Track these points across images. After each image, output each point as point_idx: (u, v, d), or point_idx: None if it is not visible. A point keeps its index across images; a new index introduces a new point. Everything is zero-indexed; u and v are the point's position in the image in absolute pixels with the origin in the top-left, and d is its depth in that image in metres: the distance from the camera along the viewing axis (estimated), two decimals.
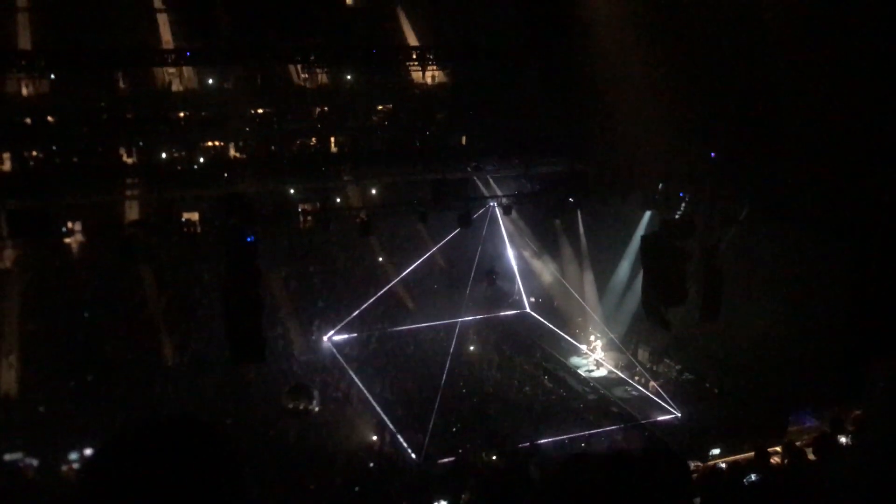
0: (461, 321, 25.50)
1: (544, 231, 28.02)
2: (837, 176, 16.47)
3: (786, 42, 16.94)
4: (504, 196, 23.62)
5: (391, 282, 28.47)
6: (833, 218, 17.21)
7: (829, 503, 4.63)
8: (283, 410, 18.17)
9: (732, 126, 18.74)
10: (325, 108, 29.35)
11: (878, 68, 15.24)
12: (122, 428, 1.68)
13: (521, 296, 29.91)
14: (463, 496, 15.83)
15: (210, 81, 27.93)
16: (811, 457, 9.23)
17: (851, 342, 17.65)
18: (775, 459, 9.45)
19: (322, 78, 28.93)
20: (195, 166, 27.14)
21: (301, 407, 17.44)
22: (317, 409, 18.15)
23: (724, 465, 10.16)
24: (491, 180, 26.68)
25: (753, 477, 6.83)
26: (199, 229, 22.86)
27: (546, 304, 29.44)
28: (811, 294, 18.69)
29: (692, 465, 11.64)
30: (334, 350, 25.77)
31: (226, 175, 25.26)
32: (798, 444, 10.09)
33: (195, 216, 23.87)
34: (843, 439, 8.62)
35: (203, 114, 27.44)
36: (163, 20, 26.73)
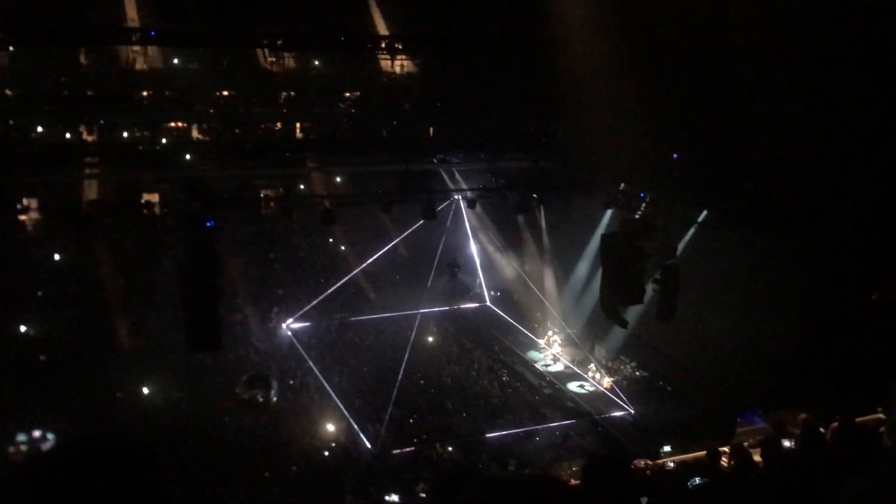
0: (421, 313, 25.58)
1: (507, 226, 28.17)
2: (796, 182, 16.80)
3: (751, 48, 17.22)
4: (469, 189, 23.67)
5: (353, 271, 28.40)
6: (790, 224, 17.57)
7: None
8: (240, 401, 18.03)
9: (696, 129, 18.99)
10: (292, 94, 29.05)
11: (840, 76, 15.55)
12: (48, 447, 1.70)
13: (482, 289, 30.05)
14: (417, 487, 15.95)
15: (175, 61, 27.48)
16: (757, 458, 9.47)
17: (804, 345, 18.10)
18: (725, 460, 9.67)
19: (289, 63, 28.65)
20: (157, 147, 26.71)
21: (258, 398, 17.35)
22: (274, 399, 18.06)
23: (672, 465, 10.36)
24: (456, 173, 26.72)
25: (698, 480, 6.99)
26: (158, 211, 22.52)
27: (506, 298, 29.63)
28: (766, 297, 19.08)
29: (643, 462, 11.86)
30: (293, 338, 25.64)
31: (188, 157, 24.89)
32: (746, 444, 10.34)
33: (155, 198, 23.51)
34: (786, 443, 8.83)
35: (167, 94, 26.99)
36: None
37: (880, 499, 3.28)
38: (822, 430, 9.24)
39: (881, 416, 9.47)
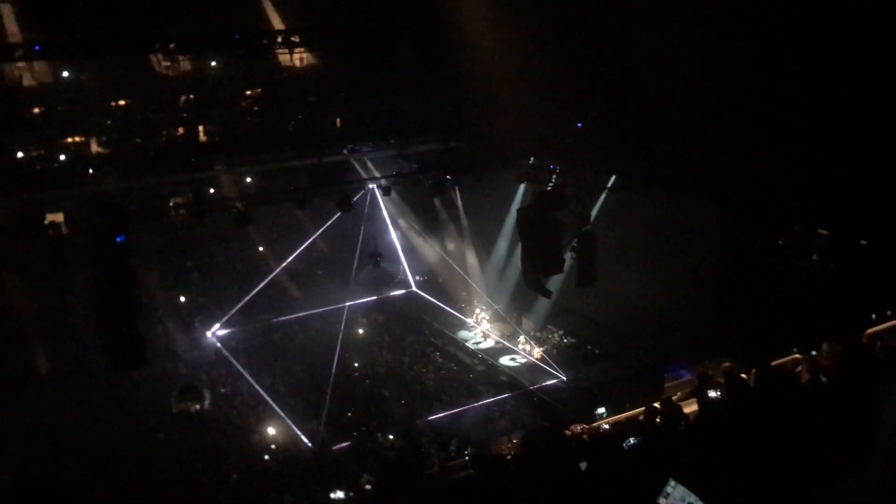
0: (349, 305, 25.47)
1: (425, 210, 28.24)
2: (697, 140, 17.35)
3: (644, 12, 17.63)
4: (382, 177, 23.61)
5: (273, 271, 28.03)
6: (695, 180, 18.15)
7: (704, 460, 5.00)
8: (174, 414, 17.64)
9: (597, 97, 19.39)
10: (191, 96, 28.30)
11: (732, 34, 16.06)
12: None
13: (406, 275, 30.11)
14: (362, 480, 15.95)
15: (65, 74, 26.43)
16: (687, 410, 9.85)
17: (719, 296, 18.85)
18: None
19: (185, 65, 27.89)
20: (55, 164, 25.66)
21: (192, 409, 17.02)
22: (208, 408, 17.76)
23: (607, 426, 10.66)
24: (368, 162, 26.60)
25: (632, 440, 7.24)
26: (65, 231, 21.68)
27: (431, 281, 29.79)
28: (679, 253, 19.76)
29: (579, 427, 12.16)
30: (219, 345, 25.20)
31: (90, 172, 24.00)
32: (674, 398, 10.74)
33: (60, 218, 22.59)
34: (712, 393, 9.20)
35: (60, 108, 25.94)
36: (7, 11, 24.99)
37: (873, 496, 3.48)
38: (744, 375, 9.69)
39: (797, 355, 9.96)
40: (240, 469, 17.97)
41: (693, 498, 4.24)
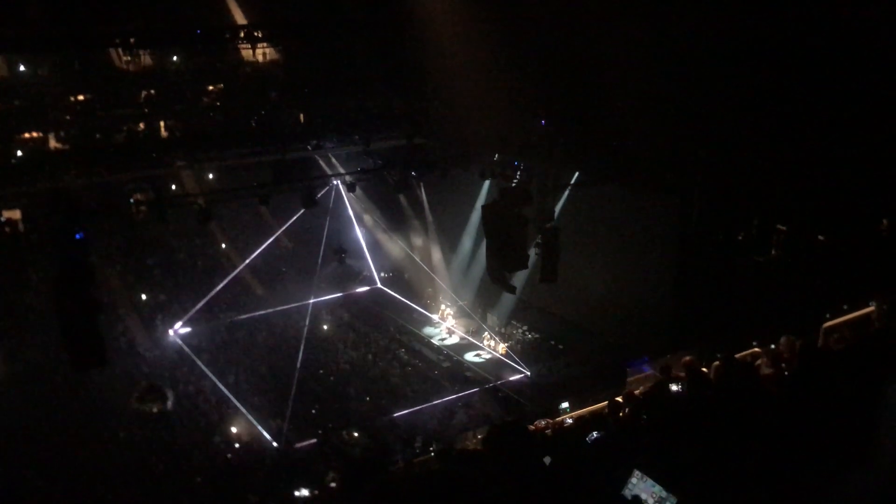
0: (313, 302, 25.36)
1: (390, 206, 28.21)
2: (659, 136, 17.57)
3: (605, 10, 17.79)
4: (347, 174, 23.53)
5: (237, 268, 27.80)
6: (656, 176, 18.39)
7: (668, 452, 5.08)
8: (136, 415, 17.38)
9: (560, 95, 19.53)
10: (152, 92, 27.94)
11: (700, 36, 16.27)
12: None
13: (371, 272, 30.05)
14: (328, 478, 15.91)
15: (22, 69, 25.94)
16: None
17: (680, 291, 19.10)
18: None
19: (146, 60, 27.49)
20: (12, 161, 25.14)
21: (154, 409, 16.79)
22: (171, 408, 17.53)
23: (570, 421, 10.77)
24: (333, 158, 26.50)
25: (595, 434, 7.33)
26: (22, 228, 21.24)
27: (397, 278, 29.77)
28: (641, 249, 20.00)
29: (543, 422, 12.28)
30: (181, 343, 24.92)
31: (47, 168, 23.55)
32: (637, 392, 10.87)
33: (17, 214, 22.12)
34: (674, 386, 9.35)
35: (17, 103, 25.47)
36: None
37: (870, 497, 3.55)
38: (704, 369, 9.85)
39: (757, 349, 10.16)
40: (203, 468, 17.80)
41: (658, 488, 4.31)
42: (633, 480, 4.39)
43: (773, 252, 16.88)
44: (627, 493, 4.36)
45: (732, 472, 4.51)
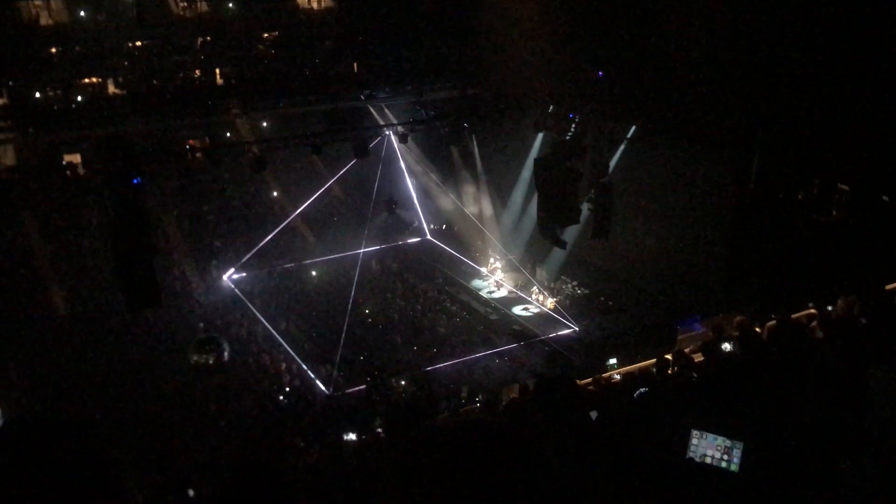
0: (363, 252, 25.52)
1: (441, 157, 28.06)
2: (720, 91, 17.08)
3: None
4: (399, 124, 23.44)
5: (289, 217, 28.07)
6: (716, 132, 17.92)
7: (711, 411, 5.00)
8: (191, 366, 17.75)
9: (619, 45, 19.05)
10: (208, 39, 28.09)
11: None
12: None
13: (421, 223, 30.08)
14: (374, 423, 16.17)
15: (82, 14, 26.23)
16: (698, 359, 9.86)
17: (736, 250, 18.73)
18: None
19: (202, 7, 27.61)
20: (73, 105, 25.65)
21: (211, 361, 17.09)
22: (227, 359, 17.84)
23: (618, 377, 10.70)
24: (385, 108, 26.37)
25: (642, 391, 7.26)
26: (81, 172, 21.76)
27: (446, 230, 29.76)
28: (697, 206, 19.59)
29: (590, 379, 12.22)
30: (235, 289, 25.39)
31: (106, 113, 23.97)
32: (686, 350, 10.74)
33: (77, 158, 22.68)
34: (726, 345, 9.20)
35: (77, 49, 25.83)
36: None
37: (866, 484, 3.45)
38: (757, 329, 9.66)
39: (813, 311, 9.90)
40: (254, 411, 18.24)
41: (721, 440, 4.23)
42: (694, 441, 4.32)
43: (833, 212, 16.41)
44: (693, 455, 4.30)
45: (791, 417, 4.42)
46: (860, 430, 3.83)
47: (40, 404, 18.30)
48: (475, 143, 26.40)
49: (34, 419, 1.76)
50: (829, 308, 8.88)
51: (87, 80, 26.36)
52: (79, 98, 25.96)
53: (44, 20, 25.31)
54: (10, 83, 24.27)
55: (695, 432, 4.30)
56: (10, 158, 23.46)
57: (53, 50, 25.58)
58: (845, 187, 16.18)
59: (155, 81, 26.74)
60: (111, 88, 26.61)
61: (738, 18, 16.23)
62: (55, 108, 25.39)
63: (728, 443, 4.20)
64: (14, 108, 23.77)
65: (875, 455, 3.54)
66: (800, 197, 17.13)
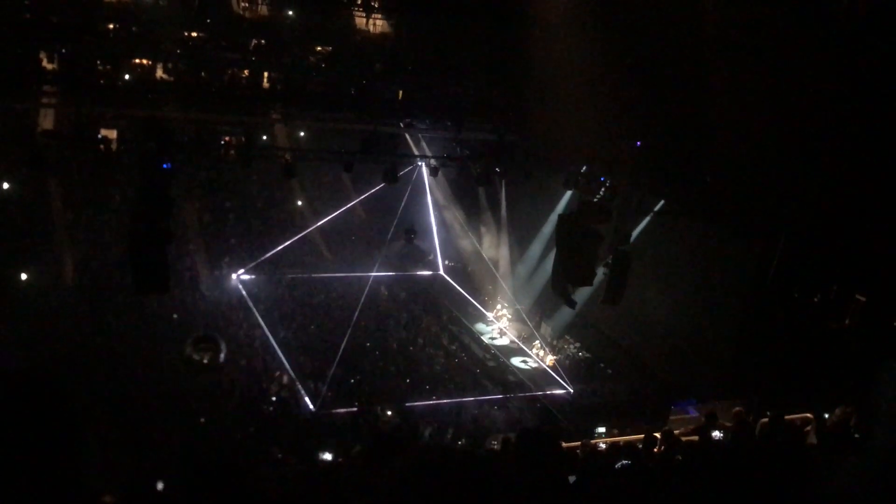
0: (374, 275, 25.54)
1: (468, 197, 28.18)
2: (753, 179, 17.07)
3: (720, 44, 17.35)
4: (433, 157, 23.58)
5: (308, 227, 28.18)
6: (743, 219, 17.89)
7: (691, 494, 4.91)
8: (186, 360, 17.66)
9: (661, 119, 19.14)
10: (262, 41, 28.49)
11: (806, 79, 15.75)
12: None
13: (436, 258, 30.10)
14: (355, 449, 15.99)
15: None
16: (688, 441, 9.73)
17: (744, 340, 18.55)
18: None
19: (262, 10, 28.07)
20: (119, 83, 25.99)
21: (205, 360, 17.00)
22: (222, 361, 17.75)
23: (603, 446, 10.57)
24: (421, 139, 26.58)
25: (624, 462, 7.16)
26: (115, 148, 22.02)
27: (460, 268, 29.75)
28: (711, 289, 19.48)
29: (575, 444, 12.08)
30: (242, 289, 25.43)
31: (150, 96, 24.28)
32: (676, 431, 10.61)
33: (113, 134, 22.98)
34: (715, 433, 9.08)
35: (133, 29, 26.24)
36: None
37: (857, 493, 3.39)
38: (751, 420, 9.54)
39: (809, 416, 9.78)
40: (237, 413, 18.13)
41: None
42: None
43: (847, 321, 16.27)
44: None
45: None
46: None
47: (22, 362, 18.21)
48: (503, 188, 26.51)
49: None
50: (826, 416, 8.75)
51: (137, 61, 26.72)
52: (126, 76, 26.29)
53: None
54: (63, 50, 24.66)
55: None
56: (48, 122, 23.76)
57: (111, 26, 25.99)
58: (862, 298, 16.05)
59: (203, 73, 27.07)
60: (159, 73, 26.94)
61: (783, 113, 16.26)
62: (101, 82, 25.75)
63: None
64: (62, 74, 24.12)
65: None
66: (815, 299, 17.01)
